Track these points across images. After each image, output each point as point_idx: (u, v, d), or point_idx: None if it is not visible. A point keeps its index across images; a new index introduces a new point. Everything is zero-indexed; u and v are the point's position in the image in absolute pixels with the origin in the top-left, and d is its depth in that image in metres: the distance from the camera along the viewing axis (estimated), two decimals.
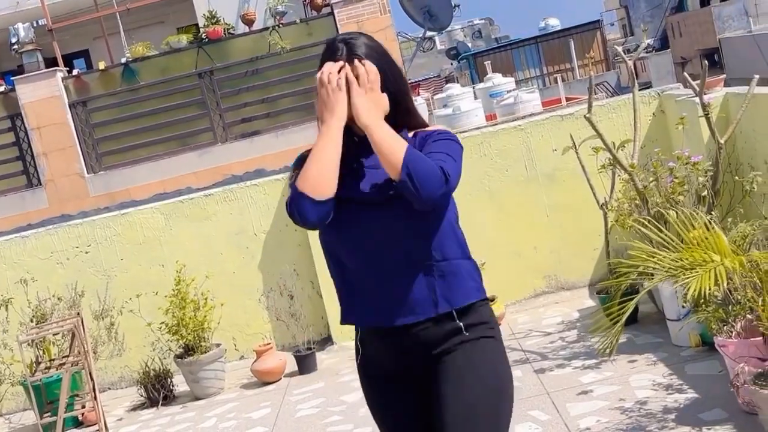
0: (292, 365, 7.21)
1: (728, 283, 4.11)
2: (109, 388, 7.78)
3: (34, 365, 6.78)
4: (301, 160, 2.64)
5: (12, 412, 7.77)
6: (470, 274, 2.68)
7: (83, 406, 6.54)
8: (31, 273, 7.63)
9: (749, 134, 5.90)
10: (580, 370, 5.72)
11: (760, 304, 4.17)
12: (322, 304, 7.60)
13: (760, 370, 4.19)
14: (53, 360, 6.77)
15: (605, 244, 6.63)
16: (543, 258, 7.53)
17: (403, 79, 2.73)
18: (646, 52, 31.52)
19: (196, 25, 15.09)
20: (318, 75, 2.61)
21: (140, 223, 7.86)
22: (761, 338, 4.29)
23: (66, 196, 13.00)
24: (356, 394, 6.14)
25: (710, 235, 4.28)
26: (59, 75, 13.28)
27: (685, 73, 6.45)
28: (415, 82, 30.90)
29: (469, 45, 40.94)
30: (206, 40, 13.28)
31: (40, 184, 13.23)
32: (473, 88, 12.17)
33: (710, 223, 4.51)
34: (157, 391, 7.17)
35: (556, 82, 20.01)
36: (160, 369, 7.26)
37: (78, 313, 6.55)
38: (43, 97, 12.95)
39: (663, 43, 34.64)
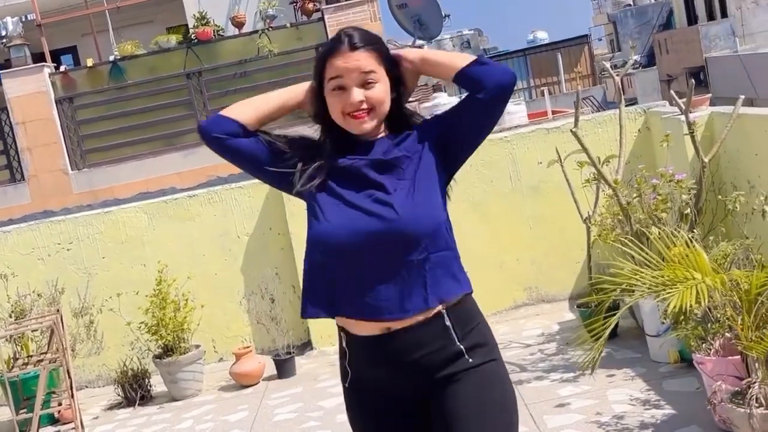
0: (270, 369, 7.20)
1: (708, 301, 4.13)
2: (87, 386, 7.74)
3: (12, 361, 6.74)
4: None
5: None
6: (458, 267, 2.60)
7: (60, 404, 6.50)
8: (11, 268, 7.58)
9: (733, 154, 5.94)
10: (559, 383, 5.73)
11: (739, 323, 4.19)
12: None
13: (737, 388, 4.21)
14: (31, 356, 6.73)
15: (587, 258, 6.66)
16: (525, 269, 7.55)
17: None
18: (633, 69, 31.68)
19: (186, 25, 15.09)
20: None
21: (123, 221, 7.83)
22: (739, 357, 4.31)
23: (49, 192, 12.96)
24: (334, 400, 6.14)
25: (691, 252, 4.31)
26: (46, 71, 13.26)
27: (672, 91, 6.49)
28: None
29: None
30: (195, 40, 13.30)
31: (24, 179, 13.20)
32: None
33: (692, 241, 4.54)
34: (134, 390, 7.13)
35: (543, 95, 20.12)
36: (138, 369, 7.23)
37: (58, 310, 6.52)
38: (30, 92, 12.92)
39: (650, 60, 34.89)
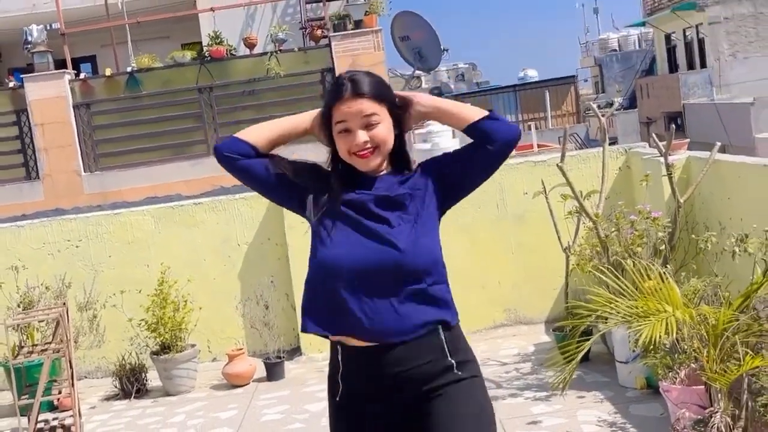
0: (261, 371, 7.17)
1: (677, 333, 4.14)
2: (86, 377, 7.69)
3: (17, 348, 6.70)
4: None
5: None
6: (450, 299, 2.64)
7: (60, 392, 6.46)
8: (22, 261, 7.55)
9: (707, 196, 5.97)
10: (531, 401, 5.73)
11: (704, 355, 4.20)
12: (295, 317, 7.57)
13: (699, 416, 4.22)
14: (36, 345, 6.68)
15: (565, 284, 6.67)
16: (505, 292, 7.56)
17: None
18: (615, 110, 31.82)
19: (200, 43, 15.11)
20: None
21: (131, 223, 7.81)
22: (703, 387, 4.32)
23: (61, 191, 12.95)
24: (320, 405, 6.12)
25: (664, 286, 4.32)
26: (67, 77, 13.26)
27: (654, 134, 6.53)
28: None
29: (452, 87, 41.19)
30: (209, 58, 13.32)
31: (38, 178, 13.18)
32: (453, 131, 12.22)
33: (665, 275, 4.56)
34: (131, 383, 7.10)
35: (530, 129, 20.18)
36: (135, 363, 7.20)
37: (64, 303, 6.48)
38: (50, 96, 12.92)
39: (631, 103, 35.03)
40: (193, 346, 7.22)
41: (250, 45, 13.84)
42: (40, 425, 6.07)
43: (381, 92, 2.62)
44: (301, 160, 2.76)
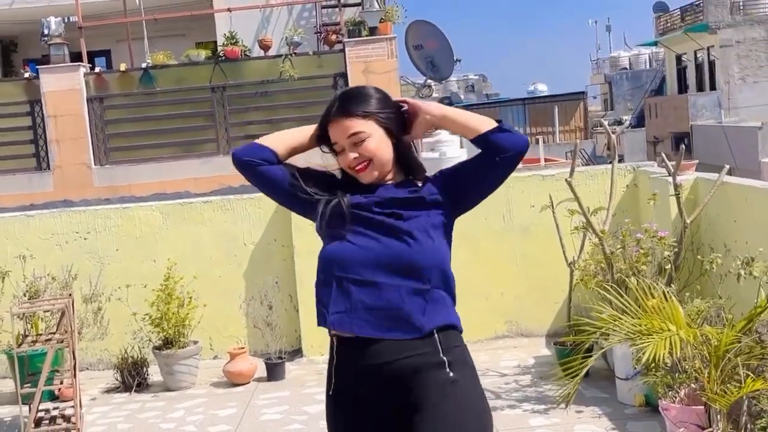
0: (261, 371, 7.17)
1: (680, 353, 4.14)
2: (87, 369, 7.68)
3: (21, 337, 6.71)
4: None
5: None
6: (452, 306, 2.67)
7: (62, 382, 6.46)
8: (30, 251, 7.55)
9: (713, 218, 5.97)
10: (530, 414, 5.72)
11: (705, 375, 4.20)
12: (298, 318, 7.58)
13: None
14: (40, 335, 6.69)
15: (568, 299, 6.67)
16: (508, 304, 7.55)
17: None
18: (625, 128, 31.84)
19: (215, 42, 15.16)
20: None
21: (140, 218, 7.82)
22: (703, 407, 4.31)
23: (71, 183, 12.97)
24: (318, 407, 6.10)
25: (668, 306, 4.32)
26: (82, 70, 13.30)
27: (663, 154, 6.53)
28: None
29: (462, 97, 41.24)
30: (223, 57, 13.36)
31: (49, 169, 13.21)
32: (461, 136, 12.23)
33: (669, 294, 4.56)
34: (132, 377, 7.10)
35: (537, 143, 20.19)
36: (137, 357, 7.20)
37: (70, 295, 6.49)
38: (64, 88, 12.96)
39: (639, 121, 35.05)
40: (195, 342, 7.22)
41: (265, 47, 13.87)
42: (41, 414, 6.07)
43: (366, 107, 2.68)
44: (314, 168, 2.82)
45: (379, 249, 2.59)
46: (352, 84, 12.19)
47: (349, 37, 13.33)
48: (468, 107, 33.06)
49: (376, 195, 2.69)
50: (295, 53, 13.33)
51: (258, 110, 13.20)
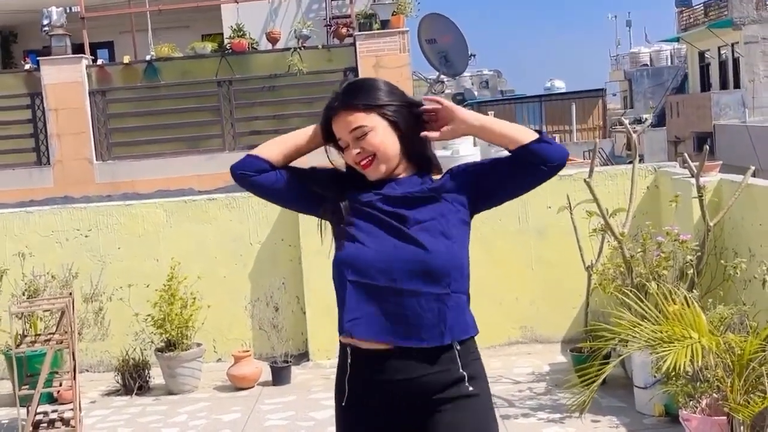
0: (266, 375, 7.17)
1: (702, 361, 4.12)
2: (87, 370, 7.71)
3: (19, 337, 6.73)
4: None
5: None
6: (468, 310, 2.67)
7: (61, 384, 6.48)
8: (29, 248, 7.58)
9: (737, 221, 5.95)
10: (544, 422, 5.71)
11: (728, 384, 4.18)
12: (305, 321, 7.58)
13: None
14: (39, 335, 6.71)
15: (585, 304, 6.65)
16: (522, 309, 7.54)
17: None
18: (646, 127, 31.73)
19: (221, 34, 15.16)
20: None
21: (142, 216, 7.84)
22: (725, 418, 4.30)
23: (72, 178, 13.00)
24: (326, 413, 6.12)
25: (690, 312, 4.31)
26: (84, 62, 13.33)
27: (685, 154, 6.51)
28: None
29: (475, 93, 41.16)
30: (230, 50, 13.37)
31: (49, 164, 13.25)
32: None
33: (691, 300, 4.54)
34: (133, 380, 7.11)
35: None
36: (139, 359, 7.21)
37: (70, 294, 6.50)
38: (66, 81, 12.99)
39: (659, 120, 34.95)
40: (198, 345, 7.23)
41: (273, 40, 13.87)
42: (39, 417, 6.09)
43: (368, 100, 2.67)
44: (320, 167, 2.82)
45: (395, 252, 2.57)
46: None
47: (359, 31, 13.32)
48: (482, 104, 33.06)
49: (386, 191, 2.68)
50: (303, 47, 13.33)
51: (265, 105, 13.21)
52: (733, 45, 30.43)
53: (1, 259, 7.42)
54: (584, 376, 4.55)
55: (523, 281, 7.52)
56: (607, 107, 36.49)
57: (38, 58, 13.64)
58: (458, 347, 2.60)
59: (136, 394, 7.09)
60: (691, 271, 5.61)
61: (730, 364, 4.19)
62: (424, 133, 2.71)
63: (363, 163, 2.66)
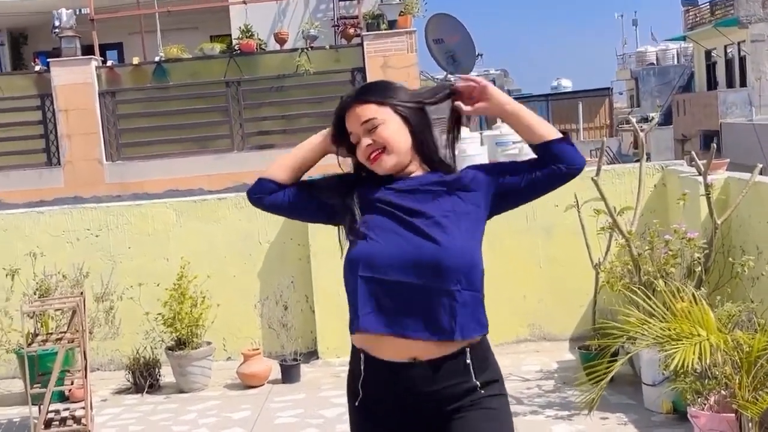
0: (276, 373, 7.19)
1: (710, 359, 4.12)
2: (98, 369, 7.73)
3: (31, 336, 6.75)
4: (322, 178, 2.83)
5: (1, 378, 7.72)
6: (482, 309, 2.65)
7: (72, 383, 6.51)
8: (40, 248, 7.59)
9: (745, 219, 5.94)
10: (553, 420, 5.71)
11: (736, 382, 4.18)
12: (314, 319, 7.59)
13: None
14: (50, 334, 6.74)
15: (593, 302, 6.65)
16: (530, 307, 7.54)
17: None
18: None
19: (229, 35, 15.19)
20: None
21: (152, 215, 7.86)
22: (733, 415, 4.29)
23: (82, 179, 13.04)
24: (335, 410, 6.12)
25: (698, 309, 4.30)
26: (94, 63, 13.37)
27: (692, 152, 6.50)
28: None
29: None
30: (238, 51, 13.39)
31: (59, 164, 13.28)
32: (481, 134, 12.19)
33: (699, 297, 4.54)
34: (144, 378, 7.14)
35: None
36: (149, 358, 7.23)
37: (82, 293, 6.53)
38: (76, 82, 13.02)
39: (666, 119, 34.89)
40: (209, 343, 7.25)
41: (281, 40, 13.90)
42: (51, 415, 6.12)
43: (382, 94, 2.69)
44: (328, 176, 2.83)
45: (407, 248, 2.56)
46: (370, 79, 12.19)
47: (367, 31, 13.32)
48: None
49: (397, 185, 2.68)
50: (311, 47, 13.35)
51: (273, 105, 13.23)
52: (739, 43, 30.37)
53: (13, 259, 7.44)
54: (592, 373, 4.54)
55: (531, 279, 7.52)
56: (613, 106, 36.49)
57: (48, 60, 13.67)
58: (471, 354, 2.59)
59: (146, 392, 7.11)
60: (699, 268, 5.60)
61: (738, 361, 4.19)
62: (457, 103, 2.72)
63: (373, 155, 2.66)
